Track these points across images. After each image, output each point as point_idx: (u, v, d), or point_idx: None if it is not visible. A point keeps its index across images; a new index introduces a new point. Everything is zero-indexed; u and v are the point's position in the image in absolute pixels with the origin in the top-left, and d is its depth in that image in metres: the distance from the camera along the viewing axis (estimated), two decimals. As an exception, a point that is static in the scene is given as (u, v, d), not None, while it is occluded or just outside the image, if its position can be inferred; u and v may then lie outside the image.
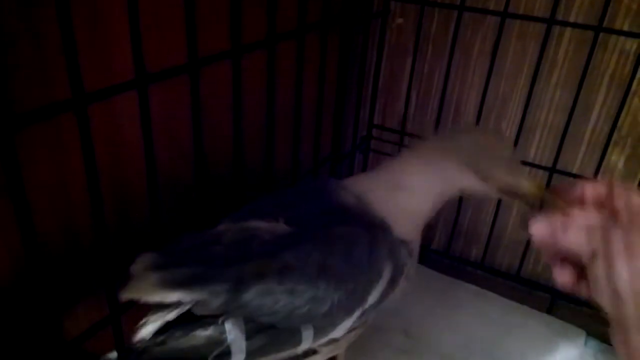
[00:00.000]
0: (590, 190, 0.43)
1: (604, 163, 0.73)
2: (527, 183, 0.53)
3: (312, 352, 0.54)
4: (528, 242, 0.81)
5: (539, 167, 0.77)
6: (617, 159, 0.73)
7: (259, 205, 0.54)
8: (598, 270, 0.38)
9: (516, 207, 0.83)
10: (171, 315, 0.42)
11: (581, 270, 0.41)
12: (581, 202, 0.43)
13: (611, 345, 0.75)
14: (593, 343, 0.77)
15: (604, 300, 0.39)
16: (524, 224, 0.43)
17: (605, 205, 0.41)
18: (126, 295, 0.42)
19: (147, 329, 0.42)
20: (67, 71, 0.33)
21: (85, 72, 0.34)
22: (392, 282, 0.53)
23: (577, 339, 0.77)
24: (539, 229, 0.42)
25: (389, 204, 0.56)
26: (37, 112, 0.32)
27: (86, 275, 0.47)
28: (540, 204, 0.51)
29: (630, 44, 0.68)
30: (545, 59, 0.72)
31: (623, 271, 0.36)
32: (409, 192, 0.55)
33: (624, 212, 0.40)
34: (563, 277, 0.43)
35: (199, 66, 0.43)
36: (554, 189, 0.48)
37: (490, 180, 0.54)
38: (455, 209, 0.85)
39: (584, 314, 0.81)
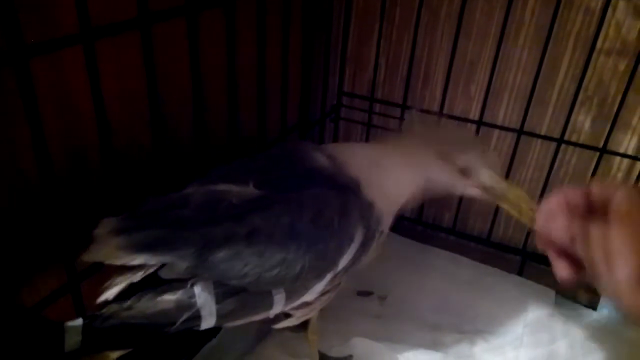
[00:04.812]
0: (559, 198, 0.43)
1: (571, 124, 0.74)
2: (507, 187, 0.55)
3: (286, 315, 0.53)
4: (497, 207, 0.82)
5: (507, 129, 0.77)
6: (583, 119, 0.74)
7: (228, 169, 0.53)
8: (587, 271, 0.38)
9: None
10: (136, 277, 0.41)
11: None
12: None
13: (580, 304, 0.78)
14: (563, 302, 0.78)
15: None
16: None
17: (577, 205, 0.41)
18: (89, 258, 0.40)
19: (111, 291, 0.41)
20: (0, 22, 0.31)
21: (26, 25, 0.33)
22: (364, 247, 0.53)
23: (547, 299, 0.78)
24: (538, 221, 0.42)
25: (364, 168, 0.55)
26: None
27: (45, 244, 0.46)
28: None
29: (595, 2, 0.67)
30: (511, 19, 0.72)
31: (604, 278, 0.36)
32: (387, 172, 0.56)
33: (597, 203, 0.39)
34: (561, 271, 0.43)
35: (150, 21, 0.41)
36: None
37: (467, 175, 0.56)
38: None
39: (554, 274, 0.82)
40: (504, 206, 0.55)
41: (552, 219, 0.41)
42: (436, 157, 0.56)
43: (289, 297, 0.49)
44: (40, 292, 0.45)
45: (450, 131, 0.59)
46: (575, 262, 0.42)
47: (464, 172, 0.56)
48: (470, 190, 0.57)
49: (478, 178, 0.56)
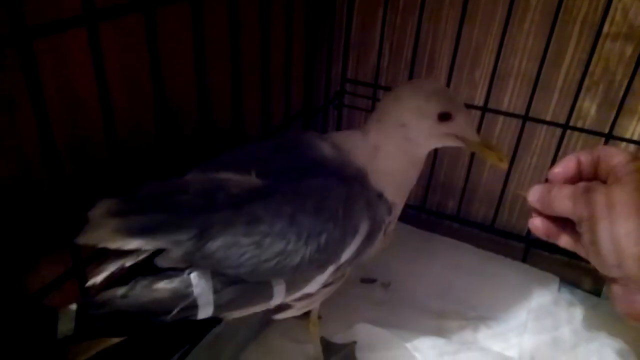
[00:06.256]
0: (572, 161, 0.43)
1: (576, 110, 0.73)
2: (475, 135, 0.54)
3: (286, 306, 0.53)
4: (502, 194, 0.81)
5: (512, 115, 0.77)
6: (589, 105, 0.73)
7: (230, 157, 0.52)
8: (584, 234, 0.39)
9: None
10: (129, 261, 0.41)
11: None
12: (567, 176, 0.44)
13: (583, 290, 0.78)
14: (566, 289, 0.78)
15: (593, 261, 0.39)
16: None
17: (589, 170, 0.42)
18: (83, 240, 0.40)
19: (101, 275, 0.41)
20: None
21: (29, 6, 0.32)
22: (369, 238, 0.52)
23: (551, 286, 0.78)
24: (534, 194, 0.44)
25: (368, 156, 0.54)
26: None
27: (50, 229, 0.46)
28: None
29: (602, -14, 0.67)
30: (517, 4, 0.71)
31: (605, 234, 0.37)
32: (383, 153, 0.54)
33: (604, 170, 0.40)
34: (543, 230, 0.45)
35: (154, 4, 0.41)
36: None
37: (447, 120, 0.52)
38: (430, 164, 0.85)
39: (558, 261, 0.82)
40: (475, 151, 0.55)
41: (552, 189, 0.42)
42: (411, 113, 0.52)
43: (290, 289, 0.48)
44: (45, 277, 0.45)
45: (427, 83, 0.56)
46: (559, 225, 0.44)
47: (443, 118, 0.52)
48: (448, 139, 0.54)
49: (458, 123, 0.53)
